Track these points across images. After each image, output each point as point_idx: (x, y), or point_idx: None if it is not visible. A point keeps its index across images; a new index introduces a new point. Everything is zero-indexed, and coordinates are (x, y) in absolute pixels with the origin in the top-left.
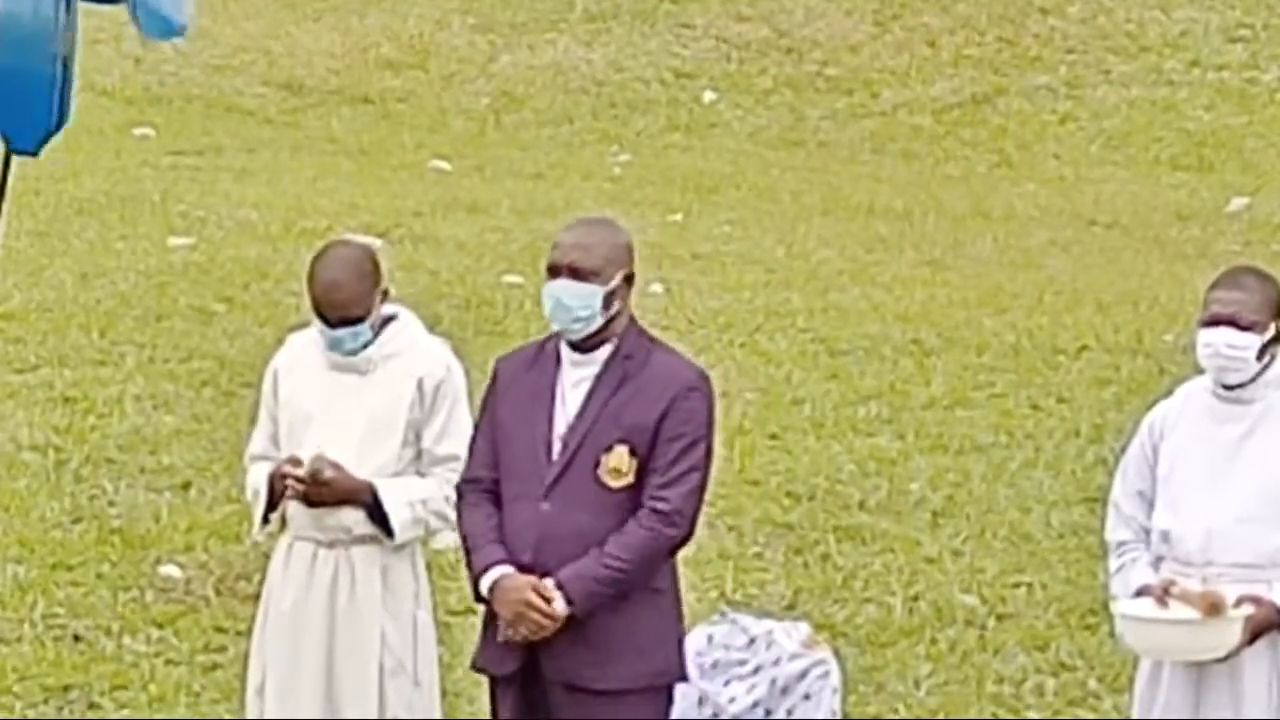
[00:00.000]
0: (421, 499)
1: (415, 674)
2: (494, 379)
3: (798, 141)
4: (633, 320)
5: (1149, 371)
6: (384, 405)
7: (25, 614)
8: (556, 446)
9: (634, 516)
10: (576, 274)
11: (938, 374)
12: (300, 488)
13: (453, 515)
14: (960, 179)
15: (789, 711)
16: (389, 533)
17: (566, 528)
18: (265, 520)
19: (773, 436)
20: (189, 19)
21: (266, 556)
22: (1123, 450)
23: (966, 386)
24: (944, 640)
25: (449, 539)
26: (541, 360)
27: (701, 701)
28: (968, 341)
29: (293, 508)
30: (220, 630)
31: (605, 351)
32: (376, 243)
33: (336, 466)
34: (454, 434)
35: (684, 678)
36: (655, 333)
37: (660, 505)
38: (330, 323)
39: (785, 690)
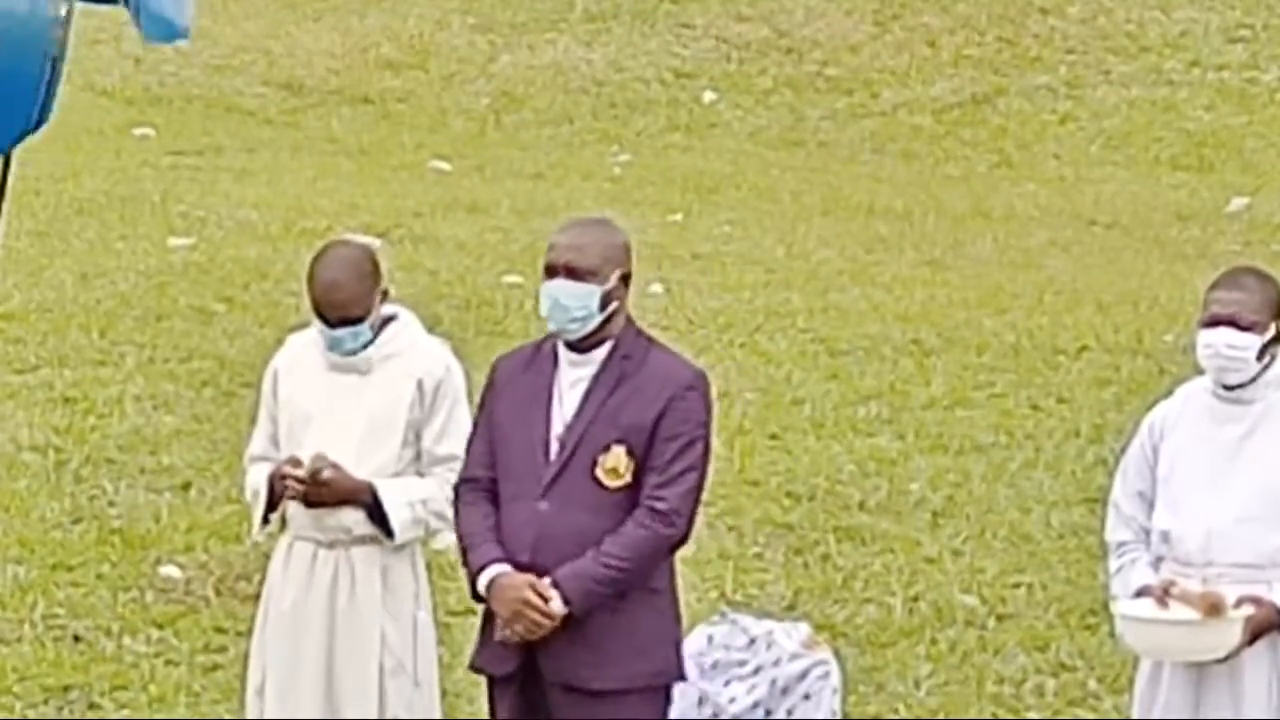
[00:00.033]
0: (421, 499)
1: (415, 674)
2: (492, 379)
3: (798, 141)
4: (630, 320)
5: (1149, 372)
6: (384, 405)
7: (25, 614)
8: (554, 447)
9: (631, 516)
10: (573, 274)
11: (938, 374)
12: (300, 488)
13: (452, 515)
14: (960, 179)
15: (789, 712)
16: (389, 533)
17: (564, 528)
18: (265, 521)
19: (773, 436)
20: (190, 21)
21: (267, 557)
22: (1123, 451)
23: (966, 386)
24: (944, 640)
25: (449, 539)
26: (539, 360)
27: (701, 702)
28: (968, 341)
29: (292, 508)
30: (220, 631)
31: (603, 351)
32: (376, 243)
33: (336, 467)
34: (454, 434)
35: (682, 678)
36: (655, 333)
37: (658, 505)
38: (330, 323)
39: (785, 690)
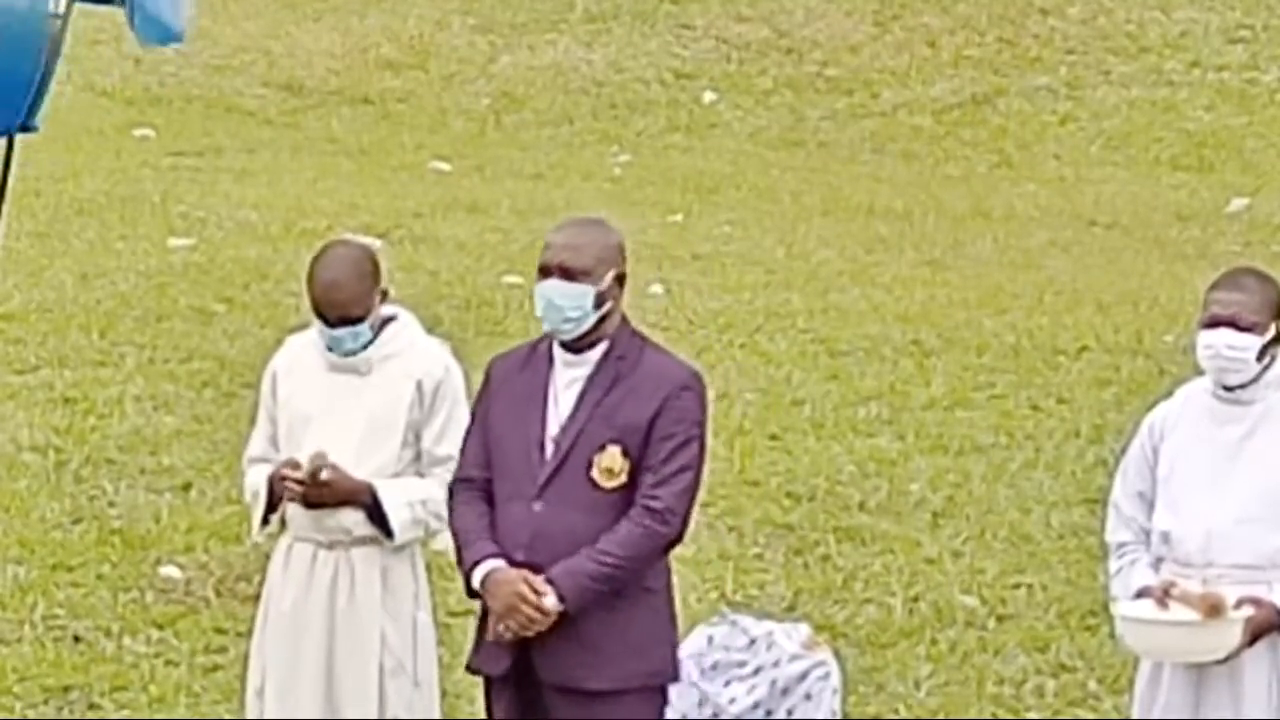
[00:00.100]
0: (421, 499)
1: (415, 674)
2: (487, 379)
3: (798, 142)
4: (625, 320)
5: (1149, 372)
6: (383, 406)
7: (25, 615)
8: (549, 447)
9: (627, 515)
10: (567, 274)
11: (938, 374)
12: (299, 489)
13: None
14: (960, 179)
15: (789, 712)
16: (388, 533)
17: (559, 528)
18: (265, 522)
19: (773, 437)
20: (187, 23)
21: (267, 557)
22: (1123, 451)
23: (966, 387)
24: (944, 641)
25: (448, 540)
26: (534, 361)
27: (702, 702)
28: (968, 342)
29: (292, 509)
30: (220, 631)
31: (598, 352)
32: (376, 243)
33: (334, 467)
34: (453, 435)
35: (677, 678)
36: (655, 333)
37: (653, 503)
38: (330, 322)
39: (785, 691)
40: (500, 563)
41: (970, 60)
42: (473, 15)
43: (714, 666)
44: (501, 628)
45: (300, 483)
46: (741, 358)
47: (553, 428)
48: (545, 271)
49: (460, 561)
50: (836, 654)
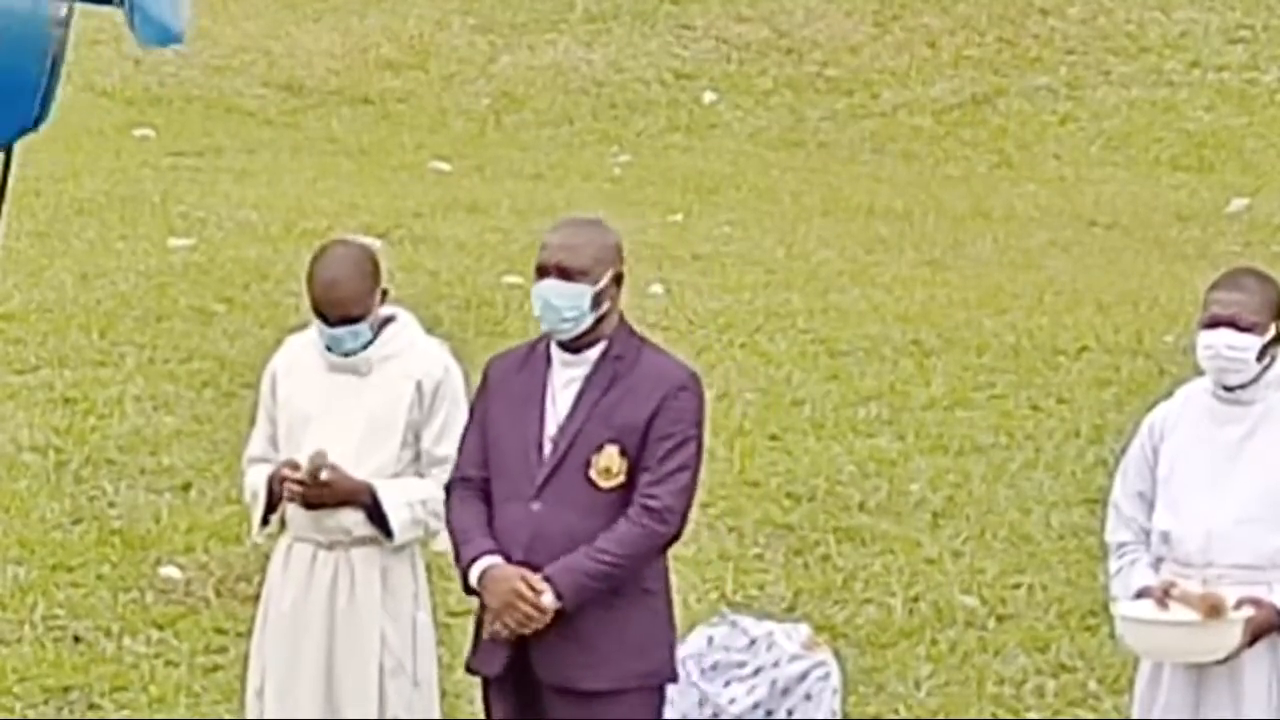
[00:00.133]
0: (421, 500)
1: (415, 675)
2: (485, 379)
3: (798, 142)
4: (623, 320)
5: (1149, 372)
6: (383, 406)
7: (25, 615)
8: (547, 447)
9: (625, 513)
10: (564, 274)
11: (938, 374)
12: (299, 489)
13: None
14: (960, 179)
15: (789, 712)
16: (388, 533)
17: (557, 527)
18: (264, 522)
19: (773, 437)
20: (187, 23)
21: (267, 558)
22: (1123, 451)
23: (966, 387)
24: (944, 641)
25: (448, 539)
26: (532, 361)
27: (702, 702)
28: (968, 342)
29: (292, 509)
30: (220, 631)
31: (595, 352)
32: (376, 243)
33: (334, 468)
34: (453, 435)
35: (675, 678)
36: (656, 334)
37: (651, 503)
38: (330, 322)
39: (786, 691)
40: (497, 559)
41: (970, 60)
42: (473, 15)
43: (714, 667)
44: (498, 625)
45: (300, 483)
46: (741, 358)
47: (551, 428)
48: (542, 271)
49: (457, 559)
50: (836, 654)
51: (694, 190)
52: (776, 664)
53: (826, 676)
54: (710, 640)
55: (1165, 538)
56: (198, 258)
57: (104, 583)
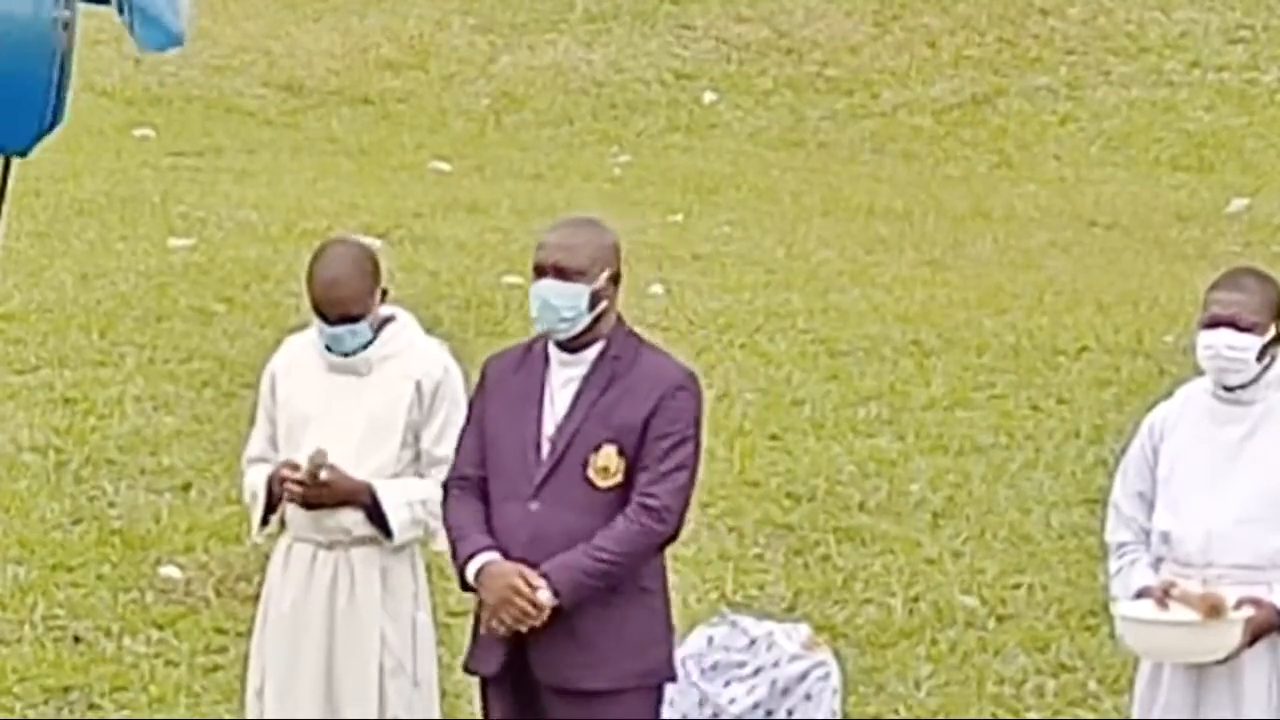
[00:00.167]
0: (420, 500)
1: (415, 675)
2: (482, 379)
3: (798, 142)
4: (620, 320)
5: (1149, 372)
6: (382, 406)
7: (25, 615)
8: (545, 447)
9: (623, 512)
10: (562, 274)
11: (938, 374)
12: (298, 489)
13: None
14: (960, 179)
15: (789, 712)
16: (388, 533)
17: (555, 527)
18: (264, 522)
19: (773, 437)
20: (188, 23)
21: (267, 557)
22: (1123, 451)
23: (966, 387)
24: (944, 641)
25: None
26: (530, 361)
27: (702, 703)
28: (968, 342)
29: (291, 509)
30: (220, 631)
31: (593, 352)
32: (376, 243)
33: (333, 468)
34: (452, 435)
35: (673, 677)
36: (655, 334)
37: (649, 501)
38: (330, 320)
39: (786, 691)
40: (495, 555)
41: (970, 60)
42: (473, 15)
43: (714, 667)
44: (495, 622)
45: (300, 483)
46: (741, 358)
47: (549, 427)
48: (540, 271)
49: (455, 556)
50: (836, 654)
51: (694, 190)
52: (776, 664)
53: (826, 676)
54: (710, 640)
55: (1165, 538)
56: (198, 258)
57: (104, 583)
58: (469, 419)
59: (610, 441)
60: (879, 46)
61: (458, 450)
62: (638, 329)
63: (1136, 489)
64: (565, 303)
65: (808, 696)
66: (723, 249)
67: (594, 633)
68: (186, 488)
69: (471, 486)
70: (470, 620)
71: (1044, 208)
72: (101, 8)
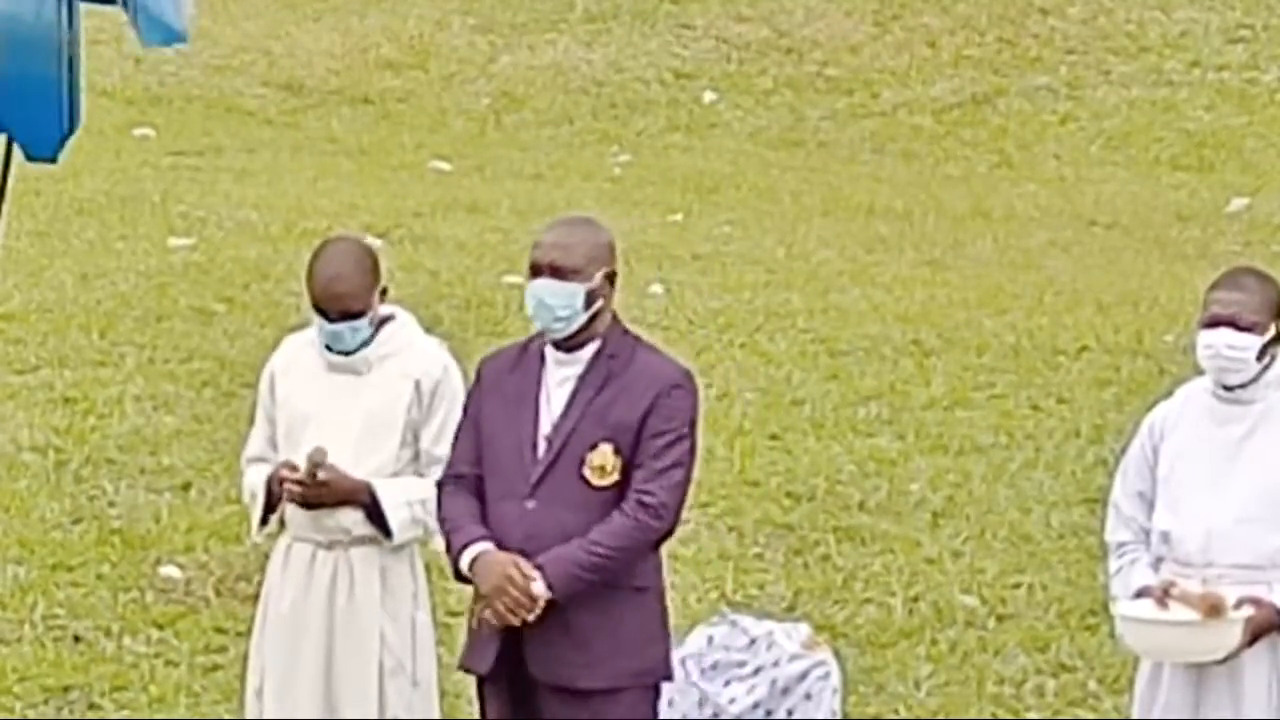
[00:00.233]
0: (420, 499)
1: (414, 674)
2: (478, 378)
3: (798, 141)
4: (616, 319)
5: (1149, 372)
6: (382, 406)
7: (25, 615)
8: (541, 445)
9: (619, 508)
10: (557, 273)
11: (938, 374)
12: (298, 489)
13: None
14: (960, 179)
15: (789, 712)
16: (387, 533)
17: (552, 526)
18: (264, 522)
19: (773, 437)
20: (190, 21)
21: (267, 557)
22: (1123, 451)
23: (966, 387)
24: (944, 641)
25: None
26: (526, 360)
27: (702, 702)
28: (968, 342)
29: (291, 508)
30: (220, 631)
31: (589, 350)
32: (377, 243)
33: (332, 467)
34: (451, 435)
35: (669, 676)
36: (655, 333)
37: (646, 498)
38: (330, 317)
39: (786, 691)
40: (489, 545)
41: (970, 60)
42: (473, 15)
43: (714, 666)
44: (488, 613)
45: (299, 483)
46: (741, 358)
47: (545, 426)
48: (536, 270)
49: (449, 548)
50: (836, 654)
51: (694, 190)
52: (776, 663)
53: (826, 676)
54: (710, 640)
55: (1165, 537)
56: (198, 258)
57: (104, 583)
58: (464, 418)
59: (606, 440)
60: (879, 46)
61: (453, 449)
62: (638, 329)
63: (1136, 488)
64: (561, 302)
65: (808, 696)
66: (723, 249)
67: (590, 631)
68: (186, 487)
69: (466, 483)
70: (467, 619)
71: (1044, 208)
72: (102, 7)
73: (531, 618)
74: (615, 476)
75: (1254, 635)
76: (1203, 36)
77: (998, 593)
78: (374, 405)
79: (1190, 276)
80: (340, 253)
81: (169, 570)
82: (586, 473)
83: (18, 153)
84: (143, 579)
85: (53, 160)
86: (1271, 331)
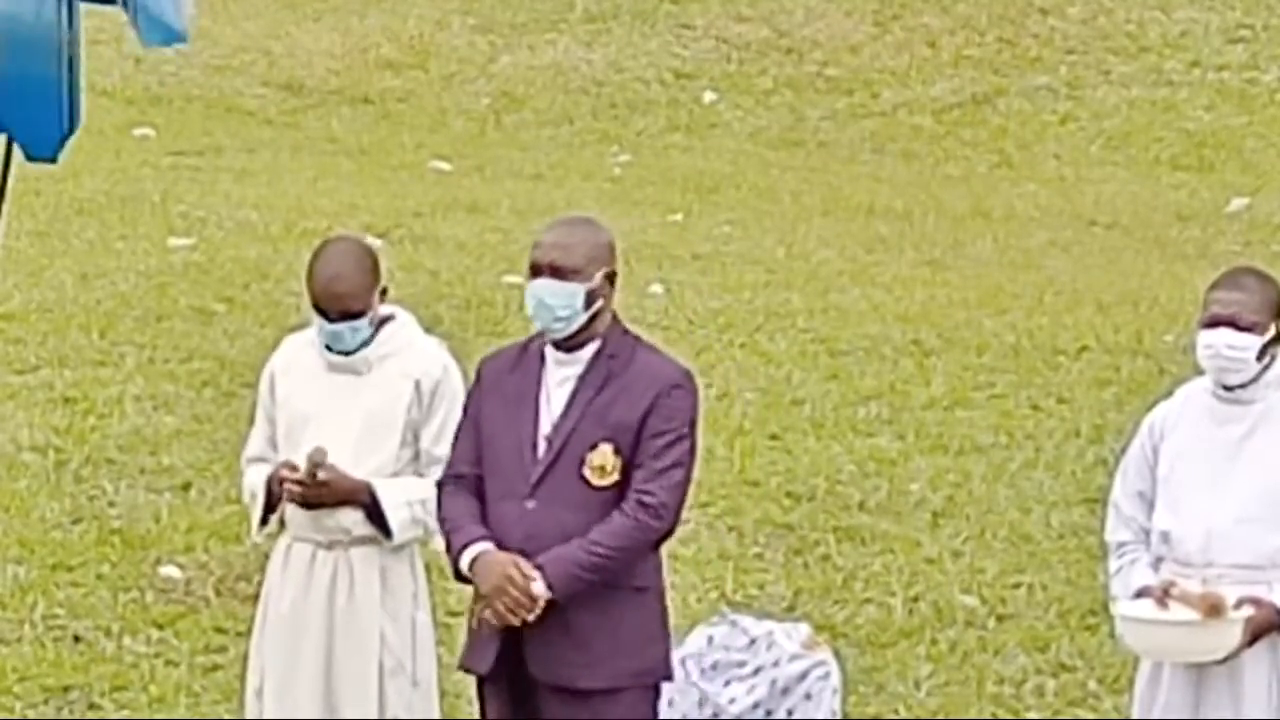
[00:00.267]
0: (420, 499)
1: (414, 674)
2: (478, 378)
3: (798, 141)
4: (616, 319)
5: (1149, 372)
6: (382, 406)
7: (25, 614)
8: (541, 446)
9: (619, 507)
10: (557, 273)
11: (938, 374)
12: (298, 489)
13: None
14: (960, 179)
15: (789, 712)
16: (387, 533)
17: (552, 526)
18: (263, 522)
19: (773, 437)
20: (190, 21)
21: (267, 557)
22: (1123, 451)
23: (966, 387)
24: (944, 641)
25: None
26: (525, 360)
27: (702, 702)
28: (968, 341)
29: (290, 508)
30: (220, 631)
31: (589, 350)
32: (376, 243)
33: (332, 467)
34: (451, 435)
35: (669, 676)
36: (655, 333)
37: (646, 498)
38: (330, 317)
39: (785, 691)
40: (490, 545)
41: (970, 60)
42: (473, 15)
43: (714, 666)
44: (488, 613)
45: (299, 483)
46: (741, 358)
47: (545, 426)
48: (536, 270)
49: (449, 547)
50: (836, 654)
51: (694, 190)
52: (776, 663)
53: (826, 676)
54: (710, 640)
55: (1165, 537)
56: (198, 258)
57: (104, 582)
58: (464, 418)
59: (606, 440)
60: (879, 46)
61: (453, 449)
62: (638, 329)
63: (1136, 488)
64: (560, 302)
65: (808, 696)
66: (723, 248)
67: (590, 631)
68: (186, 487)
69: (466, 483)
70: (466, 619)
71: (1044, 207)
72: (102, 7)
73: (531, 618)
74: (615, 476)
75: (1254, 635)
76: (1203, 36)
77: (998, 593)
78: (374, 405)
79: (1190, 276)
80: (340, 252)
81: (169, 570)
82: (586, 473)
83: (18, 153)
84: (143, 579)
85: (53, 160)
86: (1271, 331)
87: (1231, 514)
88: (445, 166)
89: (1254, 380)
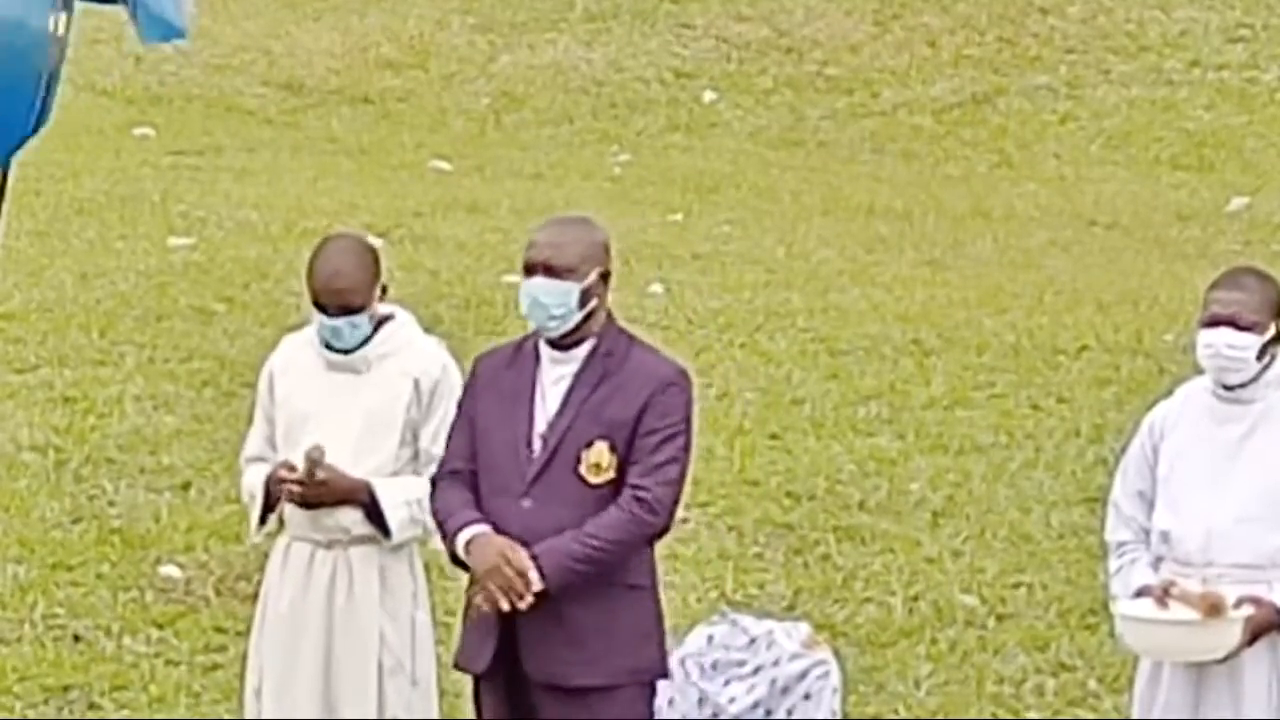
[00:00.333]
0: (419, 498)
1: (413, 674)
2: (473, 376)
3: (798, 141)
4: (611, 317)
5: (1149, 371)
6: (381, 405)
7: (25, 614)
8: (537, 444)
9: (615, 502)
10: (551, 272)
11: (938, 374)
12: (296, 489)
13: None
14: (960, 179)
15: (789, 711)
16: (386, 532)
17: (547, 524)
18: (263, 522)
19: (773, 436)
20: (190, 19)
21: (266, 556)
22: (1123, 450)
23: (966, 386)
24: (944, 640)
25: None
26: (520, 358)
27: (701, 702)
28: (968, 341)
29: (290, 508)
30: (220, 630)
31: (584, 349)
32: (377, 242)
33: (330, 466)
34: None
35: (665, 674)
36: (655, 333)
37: (641, 494)
38: (329, 313)
39: (785, 690)
40: (486, 528)
41: (970, 60)
42: (473, 15)
43: (714, 666)
44: (481, 596)
45: (298, 483)
46: (741, 357)
47: (540, 424)
48: (530, 269)
49: (445, 534)
50: (836, 653)
51: (694, 190)
52: (776, 663)
53: (826, 675)
54: (710, 639)
55: (1165, 537)
56: (198, 257)
57: (104, 582)
58: (459, 416)
59: (602, 438)
60: (879, 46)
61: (447, 445)
62: (637, 328)
63: (1136, 488)
64: (555, 300)
65: (807, 695)
66: (722, 248)
67: (585, 629)
68: (186, 487)
69: (461, 478)
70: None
71: (1044, 207)
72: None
73: (524, 605)
74: (611, 474)
75: (1254, 635)
76: (1203, 36)
77: (998, 592)
78: (373, 404)
79: (1190, 276)
80: (341, 249)
81: (169, 570)
82: (582, 470)
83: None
84: (143, 579)
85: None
86: (1271, 331)
87: (1231, 513)
88: (445, 166)
89: (1254, 380)
